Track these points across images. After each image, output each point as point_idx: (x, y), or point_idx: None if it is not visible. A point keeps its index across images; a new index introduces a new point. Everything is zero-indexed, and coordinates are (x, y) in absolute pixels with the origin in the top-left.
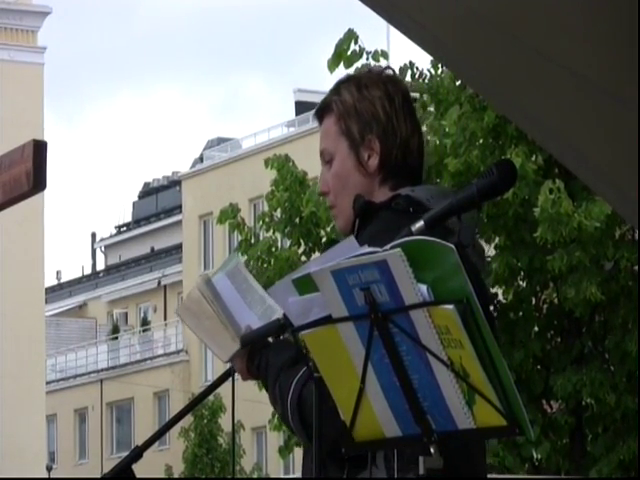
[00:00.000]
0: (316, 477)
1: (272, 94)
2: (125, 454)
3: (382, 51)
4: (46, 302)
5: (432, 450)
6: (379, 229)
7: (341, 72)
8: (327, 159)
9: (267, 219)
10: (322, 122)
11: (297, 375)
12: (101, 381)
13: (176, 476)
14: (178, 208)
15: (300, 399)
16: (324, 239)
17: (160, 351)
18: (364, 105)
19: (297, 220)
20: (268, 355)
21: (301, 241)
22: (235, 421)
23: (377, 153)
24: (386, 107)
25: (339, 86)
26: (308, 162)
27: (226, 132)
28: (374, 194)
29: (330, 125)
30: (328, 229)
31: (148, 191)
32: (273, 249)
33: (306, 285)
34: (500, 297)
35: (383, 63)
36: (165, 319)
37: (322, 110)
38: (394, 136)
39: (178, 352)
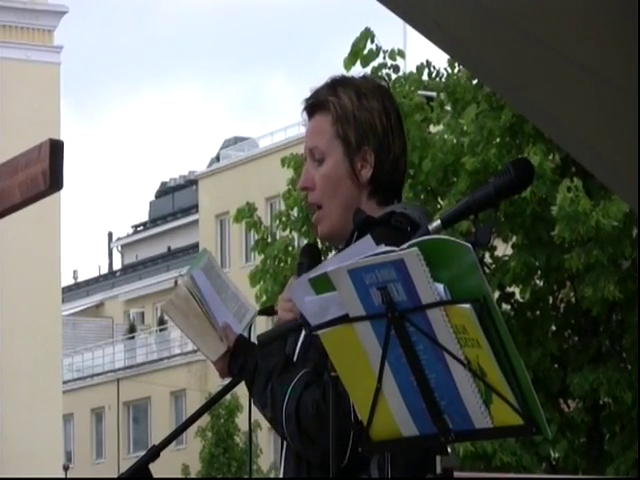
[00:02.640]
0: (333, 477)
1: (289, 94)
2: (142, 454)
3: (399, 50)
4: (63, 302)
5: (449, 449)
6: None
7: (358, 71)
8: (317, 157)
9: (284, 218)
10: (312, 117)
11: (292, 382)
12: (118, 380)
13: (193, 476)
14: (195, 207)
15: (298, 407)
16: None
17: (177, 350)
18: (363, 115)
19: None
20: (256, 358)
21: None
22: (252, 421)
23: (371, 165)
24: (383, 121)
25: (336, 87)
26: None
27: (243, 131)
28: (361, 205)
29: (325, 125)
30: None
31: (165, 190)
32: (290, 248)
33: (323, 284)
34: (517, 296)
35: (400, 62)
36: None
37: (316, 106)
38: (388, 152)
39: (195, 351)
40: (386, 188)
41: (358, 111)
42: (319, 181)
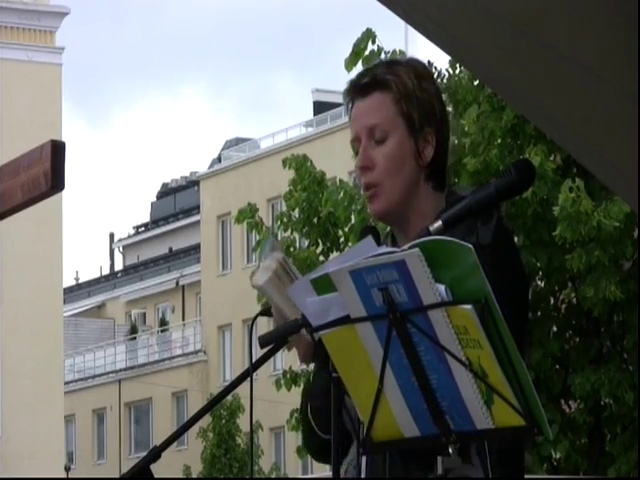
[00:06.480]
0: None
1: (291, 95)
2: (143, 454)
3: (400, 51)
4: (64, 302)
5: (450, 450)
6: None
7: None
8: (379, 136)
9: (285, 219)
10: (369, 95)
11: None
12: (119, 381)
13: (194, 476)
14: (196, 208)
15: None
16: (342, 239)
17: (178, 351)
18: (424, 96)
19: (315, 220)
20: None
21: (319, 241)
22: (253, 421)
23: (432, 147)
24: (440, 105)
25: (393, 67)
26: (326, 162)
27: (245, 132)
28: (419, 187)
29: (387, 102)
30: (346, 229)
31: (166, 191)
32: (291, 249)
33: (324, 285)
34: None
35: None
36: (183, 319)
37: (375, 84)
38: (444, 136)
39: (196, 352)
40: (439, 173)
41: (419, 92)
42: (381, 160)
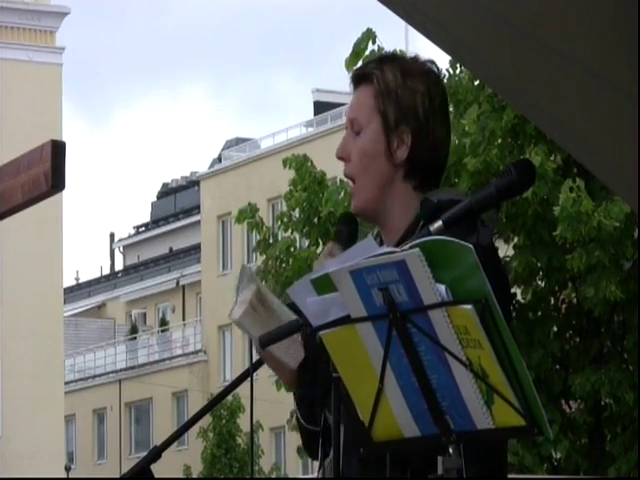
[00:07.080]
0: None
1: (292, 95)
2: (144, 454)
3: (400, 51)
4: (65, 302)
5: (450, 450)
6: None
7: None
8: (356, 129)
9: (285, 219)
10: (357, 88)
11: None
12: (120, 381)
13: (195, 476)
14: (197, 208)
15: None
16: None
17: (179, 351)
18: (405, 94)
19: (315, 220)
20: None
21: (320, 241)
22: (253, 421)
23: (407, 146)
24: (425, 105)
25: (383, 62)
26: (326, 162)
27: (245, 132)
28: (395, 186)
29: (367, 97)
30: None
31: (167, 191)
32: (292, 249)
33: (325, 285)
34: (519, 297)
35: None
36: (184, 319)
37: (361, 78)
38: (427, 137)
39: (197, 352)
40: (423, 173)
41: (401, 89)
42: (354, 154)
